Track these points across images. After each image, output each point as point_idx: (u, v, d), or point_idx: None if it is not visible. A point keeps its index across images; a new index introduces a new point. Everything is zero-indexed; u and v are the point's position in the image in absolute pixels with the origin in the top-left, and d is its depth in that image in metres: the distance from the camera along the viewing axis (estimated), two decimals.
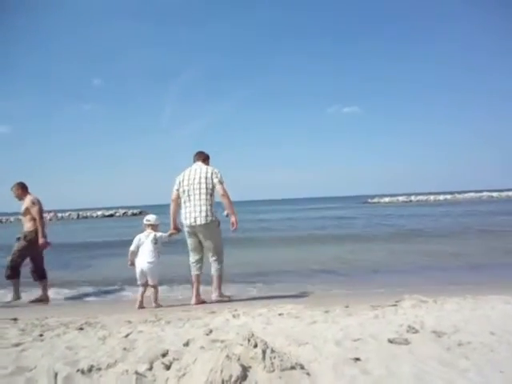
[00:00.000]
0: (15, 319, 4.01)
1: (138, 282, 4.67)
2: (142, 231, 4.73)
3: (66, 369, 2.43)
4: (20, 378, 2.36)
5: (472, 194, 53.65)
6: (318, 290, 5.44)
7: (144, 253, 4.60)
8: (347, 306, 3.97)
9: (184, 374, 2.28)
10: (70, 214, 44.55)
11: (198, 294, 4.73)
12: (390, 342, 2.71)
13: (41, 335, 3.31)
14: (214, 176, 4.52)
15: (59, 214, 44.52)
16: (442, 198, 49.88)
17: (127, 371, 2.38)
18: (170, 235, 4.82)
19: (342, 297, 4.53)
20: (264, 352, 2.29)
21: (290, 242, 12.03)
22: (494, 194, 52.24)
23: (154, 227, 4.80)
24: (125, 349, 2.83)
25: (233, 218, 4.59)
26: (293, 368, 2.26)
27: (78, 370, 2.42)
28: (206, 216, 4.50)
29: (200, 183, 4.49)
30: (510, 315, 3.35)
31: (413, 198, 51.22)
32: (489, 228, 13.28)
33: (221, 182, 4.53)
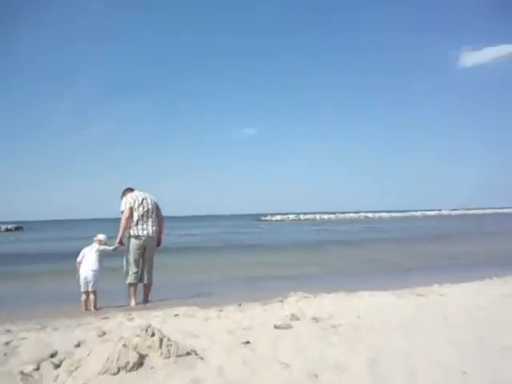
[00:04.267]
0: None
1: (82, 290, 4.99)
2: None
3: None
4: None
5: (351, 214, 59.99)
6: (214, 292, 5.66)
7: (88, 262, 5.05)
8: (240, 304, 4.23)
9: (77, 368, 2.25)
10: None
11: (136, 297, 5.29)
12: (276, 327, 3.03)
13: None
14: (157, 203, 5.64)
15: None
16: (326, 216, 54.76)
17: (10, 371, 2.25)
18: (115, 249, 5.26)
19: (234, 297, 4.76)
20: (161, 340, 2.39)
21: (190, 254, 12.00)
22: (369, 215, 59.20)
23: (101, 242, 5.28)
24: (5, 354, 2.63)
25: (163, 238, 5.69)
26: (188, 354, 2.40)
27: None
28: (155, 232, 5.40)
29: (152, 206, 5.47)
30: (372, 303, 3.98)
31: (301, 216, 55.08)
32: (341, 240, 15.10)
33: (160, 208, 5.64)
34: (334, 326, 3.04)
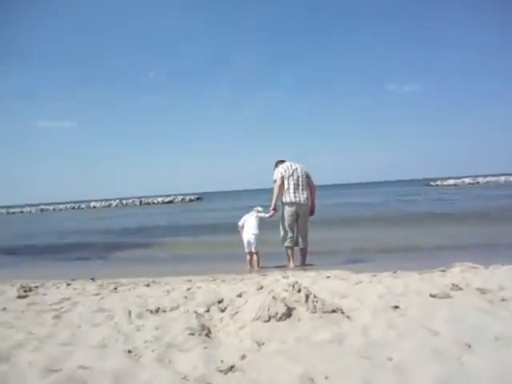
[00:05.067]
0: (93, 279, 4.60)
1: (246, 251, 5.68)
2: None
3: (138, 309, 2.86)
4: (101, 314, 2.82)
5: None
6: (369, 260, 5.57)
7: (249, 227, 5.72)
8: (395, 272, 4.06)
9: (236, 313, 2.59)
10: (133, 201, 47.40)
11: (294, 260, 5.66)
12: (432, 296, 2.81)
13: (115, 288, 3.82)
14: (308, 173, 5.87)
15: (124, 201, 47.55)
16: None
17: (188, 311, 2.75)
18: (271, 216, 5.82)
19: (390, 265, 4.58)
20: (307, 296, 2.53)
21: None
22: None
23: (259, 211, 5.94)
24: (186, 297, 3.21)
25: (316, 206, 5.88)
26: (334, 311, 2.47)
27: (147, 310, 2.83)
28: (306, 199, 5.67)
29: (302, 175, 5.75)
30: None
31: (480, 179, 47.85)
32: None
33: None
34: (504, 299, 2.65)
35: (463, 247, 6.52)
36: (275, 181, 5.75)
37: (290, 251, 5.67)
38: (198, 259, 6.92)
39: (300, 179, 5.70)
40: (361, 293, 3.06)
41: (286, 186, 5.67)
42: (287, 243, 5.67)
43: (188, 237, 10.61)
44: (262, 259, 5.64)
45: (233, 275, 4.42)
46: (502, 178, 46.84)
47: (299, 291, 2.58)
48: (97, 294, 3.56)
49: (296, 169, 5.77)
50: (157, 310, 2.84)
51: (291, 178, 5.68)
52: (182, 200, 46.84)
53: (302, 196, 5.64)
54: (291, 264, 5.60)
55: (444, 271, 3.91)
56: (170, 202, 46.37)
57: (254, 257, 5.67)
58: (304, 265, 5.66)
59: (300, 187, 5.67)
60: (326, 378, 1.59)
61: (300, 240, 5.68)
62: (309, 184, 5.79)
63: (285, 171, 5.73)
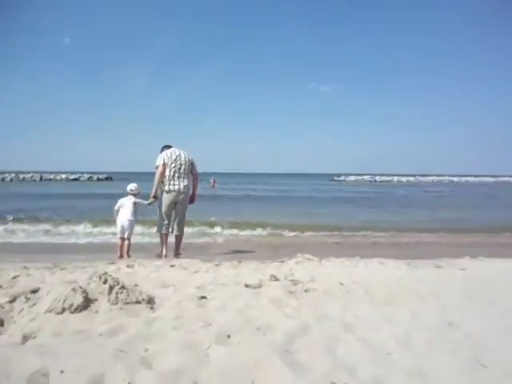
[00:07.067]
0: None
1: (118, 236, 5.54)
2: None
3: None
4: None
5: (434, 178, 55.79)
6: (244, 251, 5.77)
7: (125, 212, 5.56)
8: (240, 261, 4.26)
9: (35, 304, 2.48)
10: (32, 176, 43.09)
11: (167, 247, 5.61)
12: (247, 286, 3.00)
13: None
14: (193, 161, 5.80)
15: (21, 176, 43.04)
16: (404, 179, 51.70)
17: None
18: (150, 204, 5.61)
19: (252, 256, 4.80)
20: (111, 287, 2.51)
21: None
22: (455, 179, 54.58)
23: (133, 192, 5.75)
24: (0, 286, 2.99)
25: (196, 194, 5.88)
26: (138, 302, 2.50)
27: None
28: (186, 187, 5.59)
29: (186, 163, 5.64)
30: (373, 271, 3.74)
31: (377, 178, 52.67)
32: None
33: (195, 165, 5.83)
34: (306, 290, 2.93)
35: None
36: (157, 167, 5.60)
37: (164, 238, 5.60)
38: (63, 248, 6.53)
39: (182, 167, 5.60)
40: (186, 282, 3.15)
41: (166, 173, 5.55)
42: (161, 230, 5.60)
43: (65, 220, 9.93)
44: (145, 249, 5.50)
45: (80, 263, 4.24)
46: (395, 178, 52.16)
47: (105, 282, 2.56)
48: None
49: (179, 155, 5.64)
50: None
51: (172, 165, 5.55)
52: (90, 179, 43.81)
53: (182, 184, 5.55)
54: (164, 251, 5.54)
55: (283, 262, 4.21)
56: (76, 179, 43.16)
57: (126, 242, 5.52)
58: (177, 253, 5.63)
59: (181, 175, 5.59)
60: (62, 372, 1.59)
61: (175, 227, 5.62)
62: (192, 172, 5.72)
63: (168, 158, 5.59)
